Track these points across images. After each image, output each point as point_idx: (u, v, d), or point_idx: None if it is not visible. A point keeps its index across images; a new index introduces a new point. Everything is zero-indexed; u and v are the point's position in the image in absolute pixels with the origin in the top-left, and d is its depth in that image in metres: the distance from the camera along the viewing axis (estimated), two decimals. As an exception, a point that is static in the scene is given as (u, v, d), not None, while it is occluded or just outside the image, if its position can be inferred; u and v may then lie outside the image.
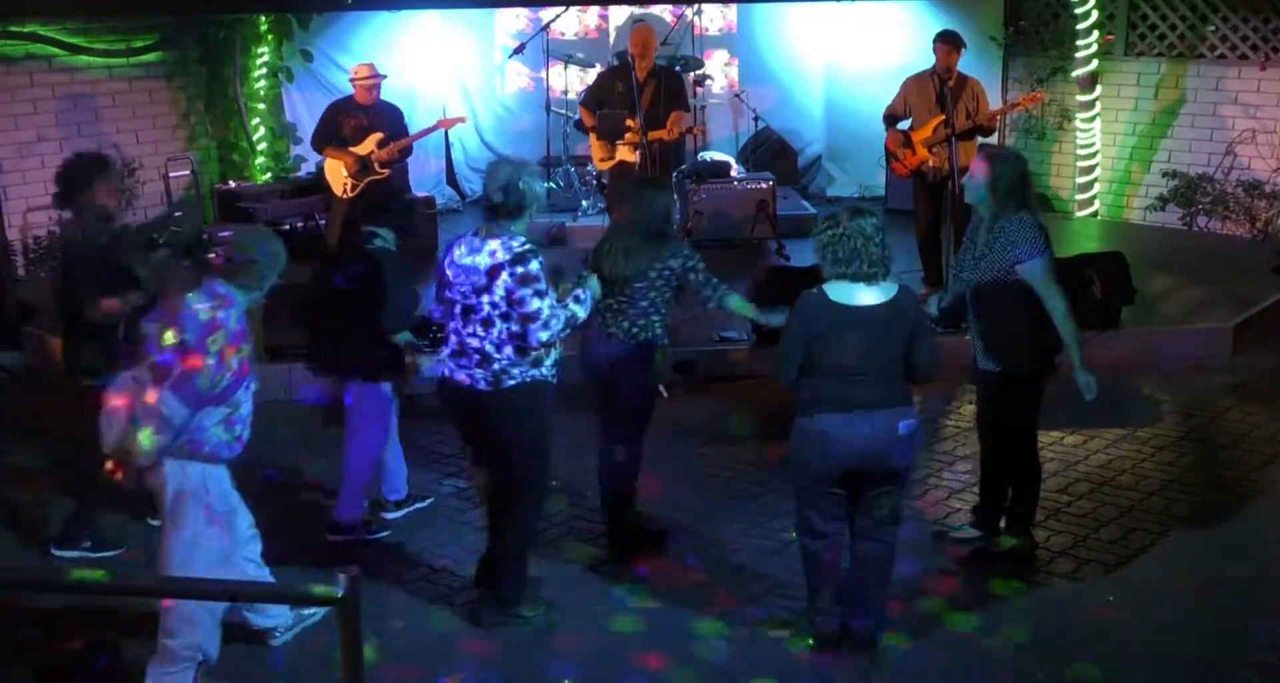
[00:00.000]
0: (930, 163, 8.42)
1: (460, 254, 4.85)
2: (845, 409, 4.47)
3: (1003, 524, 5.63)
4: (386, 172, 8.79)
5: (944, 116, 8.29)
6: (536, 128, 11.72)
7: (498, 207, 4.78)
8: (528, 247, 4.77)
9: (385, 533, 5.89)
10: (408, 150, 8.95)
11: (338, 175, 8.84)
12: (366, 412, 5.70)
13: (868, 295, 4.48)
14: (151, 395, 4.26)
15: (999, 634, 4.97)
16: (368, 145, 8.72)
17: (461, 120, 9.83)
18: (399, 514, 6.01)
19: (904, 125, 8.62)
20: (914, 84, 8.62)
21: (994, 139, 10.58)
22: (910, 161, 8.53)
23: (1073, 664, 4.74)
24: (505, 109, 12.21)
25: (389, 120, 8.81)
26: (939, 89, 8.42)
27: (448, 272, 4.88)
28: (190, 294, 4.42)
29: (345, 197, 8.76)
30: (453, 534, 5.88)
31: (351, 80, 8.94)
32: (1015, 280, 5.21)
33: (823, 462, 4.57)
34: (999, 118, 8.45)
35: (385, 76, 8.92)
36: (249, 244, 4.61)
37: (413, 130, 9.11)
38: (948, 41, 8.52)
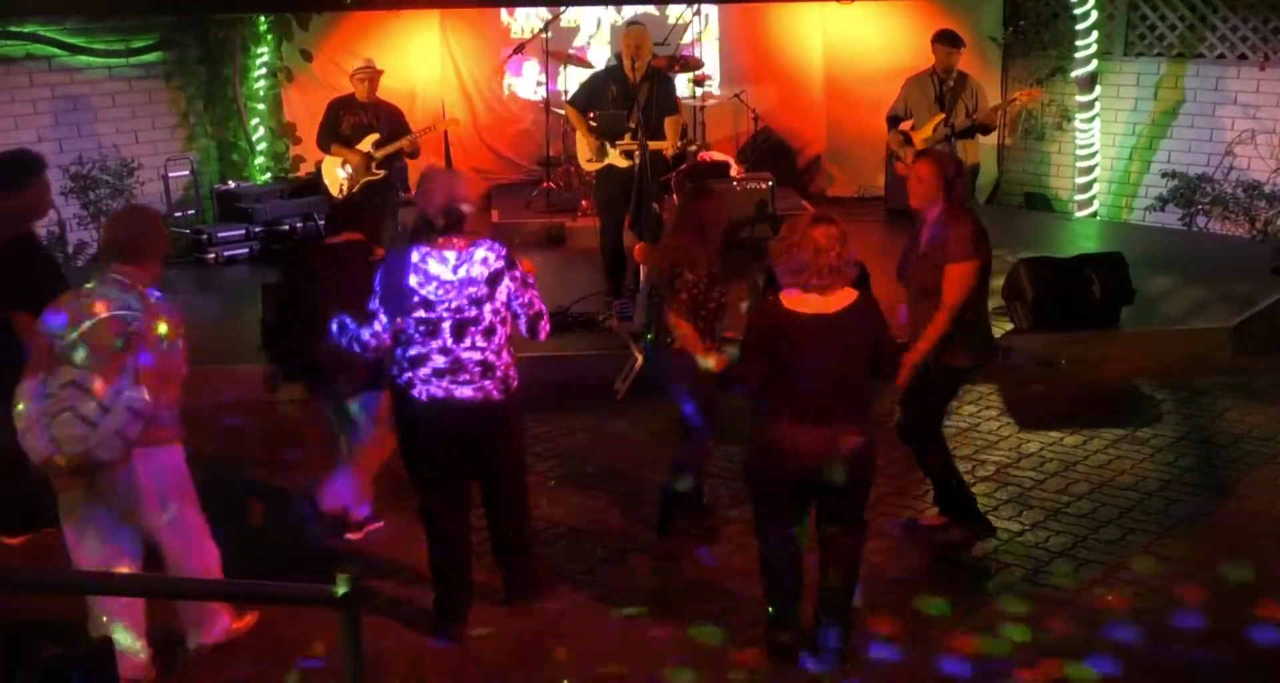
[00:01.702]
0: None
1: (436, 270, 4.68)
2: (802, 419, 4.43)
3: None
4: (383, 172, 8.69)
5: (943, 115, 8.31)
6: (536, 128, 11.72)
7: (446, 226, 4.70)
8: (507, 248, 4.82)
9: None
10: (410, 152, 8.84)
11: (334, 175, 8.77)
12: (377, 418, 5.63)
13: (824, 303, 4.44)
14: (102, 388, 4.21)
15: (997, 635, 4.97)
16: (365, 145, 8.63)
17: (454, 121, 9.66)
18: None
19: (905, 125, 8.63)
20: (914, 84, 8.63)
21: (993, 138, 10.62)
22: (911, 160, 8.54)
23: (1071, 665, 4.74)
24: (505, 109, 12.21)
25: (388, 119, 8.72)
26: (938, 88, 8.43)
27: (424, 291, 4.68)
28: (107, 289, 4.38)
29: (341, 197, 8.72)
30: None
31: (350, 77, 8.89)
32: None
33: (779, 471, 4.53)
34: (998, 114, 8.45)
35: (382, 71, 8.84)
36: (129, 221, 4.63)
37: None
38: (945, 41, 8.53)
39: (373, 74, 8.70)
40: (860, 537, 4.75)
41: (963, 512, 5.68)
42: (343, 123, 8.68)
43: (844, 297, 4.46)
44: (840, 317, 4.44)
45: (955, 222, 5.32)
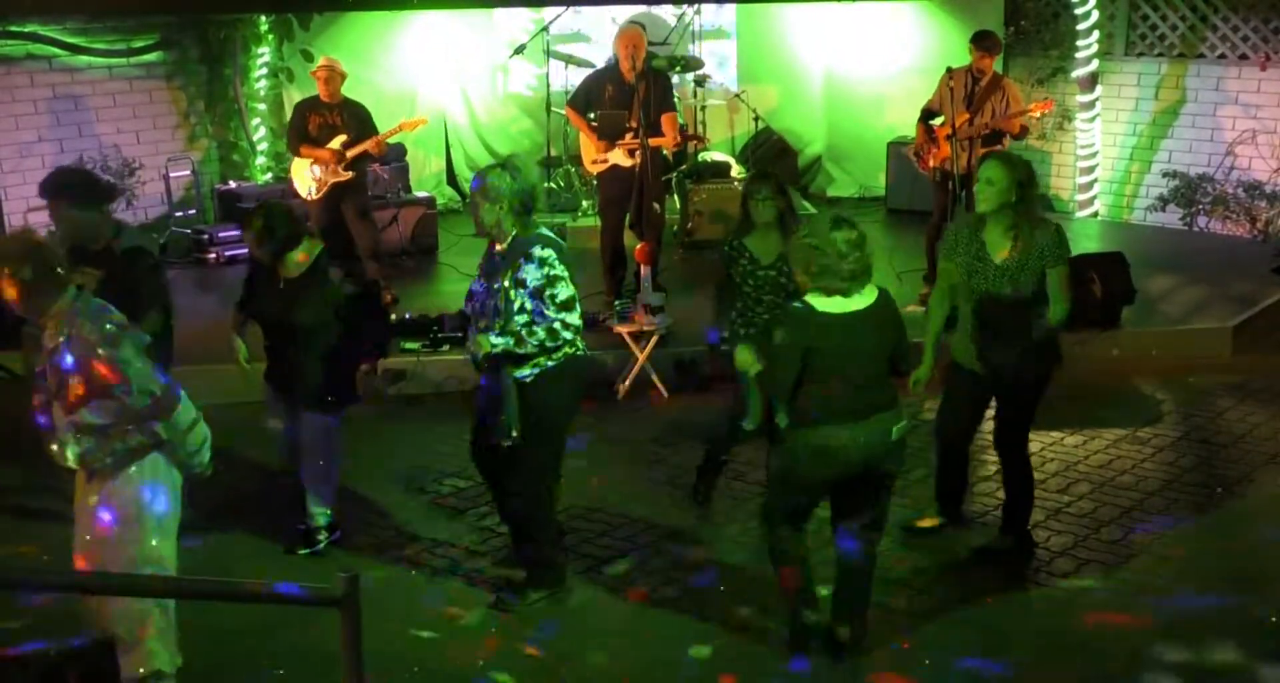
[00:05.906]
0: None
1: None
2: (844, 419, 4.48)
3: (1000, 523, 5.71)
4: (350, 174, 8.54)
5: (968, 115, 8.27)
6: (537, 128, 11.72)
7: None
8: None
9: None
10: (377, 153, 8.64)
11: (304, 176, 8.65)
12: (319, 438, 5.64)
13: (851, 303, 4.49)
14: None
15: (998, 634, 4.97)
16: (334, 145, 8.48)
17: (422, 122, 9.38)
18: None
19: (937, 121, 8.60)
20: (948, 79, 8.52)
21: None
22: (931, 157, 8.51)
23: (1072, 665, 4.74)
24: (505, 109, 12.20)
25: (356, 120, 8.54)
26: (969, 87, 8.35)
27: None
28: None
29: (311, 199, 8.62)
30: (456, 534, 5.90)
31: (312, 75, 8.76)
32: (1038, 288, 5.24)
33: (822, 473, 4.58)
34: (1020, 121, 8.34)
35: (343, 73, 8.58)
36: None
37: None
38: (974, 43, 8.43)
39: (331, 74, 8.52)
40: (880, 532, 4.81)
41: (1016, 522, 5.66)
42: (309, 123, 8.54)
43: (869, 292, 4.53)
44: (870, 312, 4.51)
45: (1042, 225, 5.24)
